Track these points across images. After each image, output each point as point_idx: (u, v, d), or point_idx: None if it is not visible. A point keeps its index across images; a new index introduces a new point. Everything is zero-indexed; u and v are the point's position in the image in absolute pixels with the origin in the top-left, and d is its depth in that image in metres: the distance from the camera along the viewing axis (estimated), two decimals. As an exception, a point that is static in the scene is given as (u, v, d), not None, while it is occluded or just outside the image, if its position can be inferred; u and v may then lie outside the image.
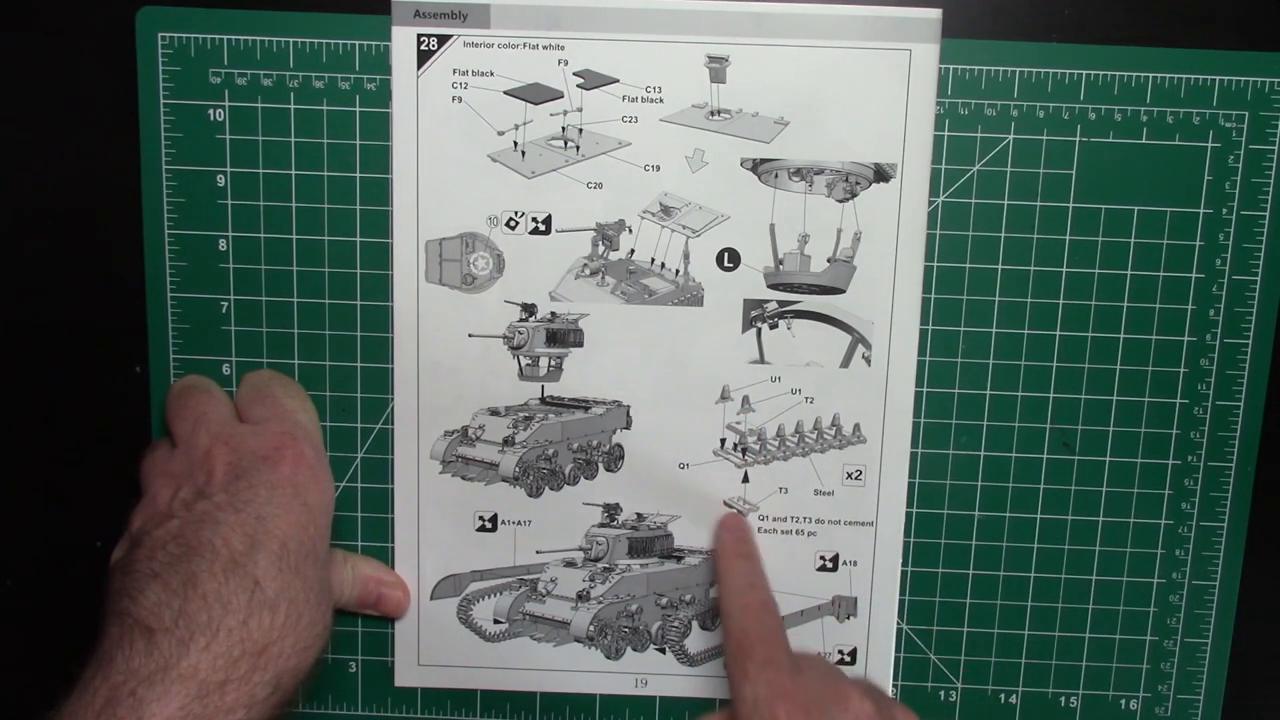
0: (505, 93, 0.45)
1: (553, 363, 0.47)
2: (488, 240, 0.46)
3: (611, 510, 0.48)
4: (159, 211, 0.46)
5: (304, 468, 0.42)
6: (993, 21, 0.45)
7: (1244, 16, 0.45)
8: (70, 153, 0.46)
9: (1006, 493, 0.48)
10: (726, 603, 0.43)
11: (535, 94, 0.45)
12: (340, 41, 0.45)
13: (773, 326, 0.47)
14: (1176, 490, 0.48)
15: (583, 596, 0.49)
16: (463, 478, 0.48)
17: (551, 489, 0.48)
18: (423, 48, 0.45)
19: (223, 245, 0.46)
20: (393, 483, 0.48)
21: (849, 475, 0.48)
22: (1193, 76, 0.45)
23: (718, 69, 0.45)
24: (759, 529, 0.48)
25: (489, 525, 0.48)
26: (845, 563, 0.48)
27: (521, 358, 0.47)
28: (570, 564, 0.49)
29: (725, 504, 0.48)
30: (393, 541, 0.48)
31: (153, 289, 0.47)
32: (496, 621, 0.49)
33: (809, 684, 0.39)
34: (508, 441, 0.47)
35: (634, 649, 0.49)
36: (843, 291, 0.46)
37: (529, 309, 0.46)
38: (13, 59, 0.46)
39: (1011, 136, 0.45)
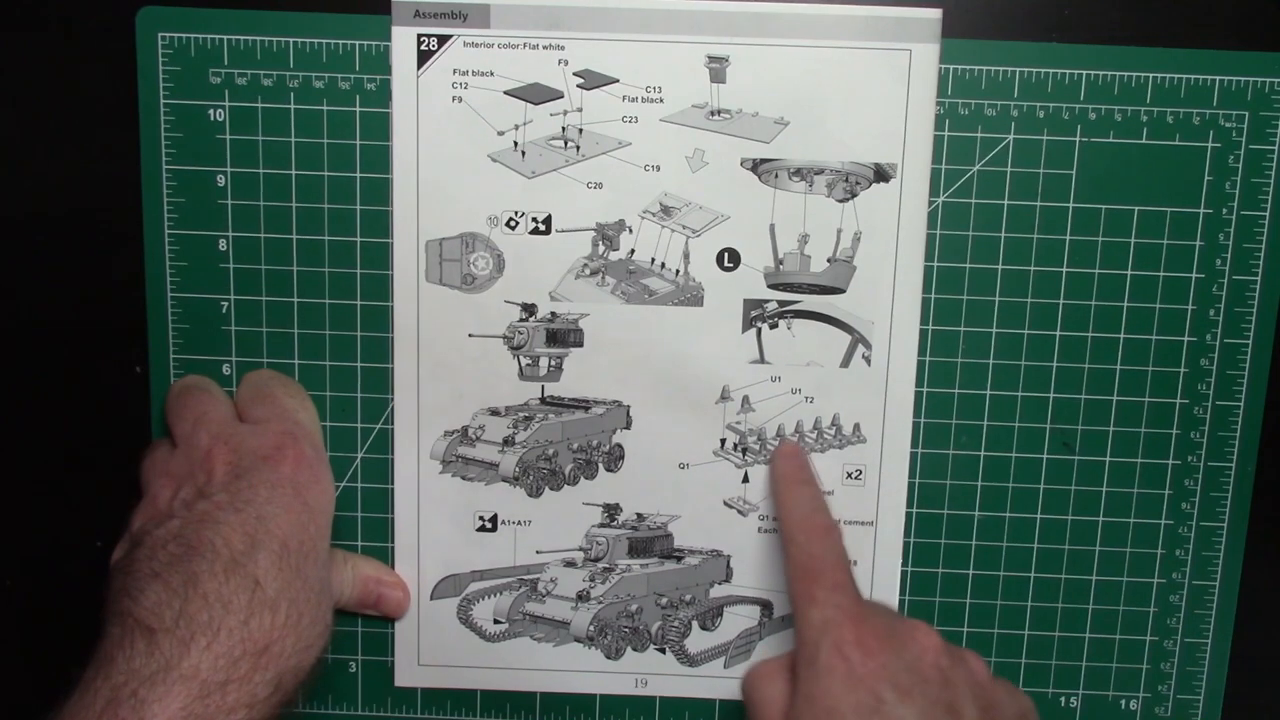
0: (505, 93, 0.45)
1: (553, 363, 0.47)
2: (488, 240, 0.46)
3: (611, 510, 0.48)
4: (159, 211, 0.46)
5: (305, 467, 0.42)
6: (993, 21, 0.45)
7: (1244, 16, 0.45)
8: (70, 153, 0.46)
9: (1006, 493, 0.48)
10: (790, 527, 0.42)
11: (535, 94, 0.45)
12: (340, 41, 0.45)
13: (773, 326, 0.47)
14: (1176, 490, 0.48)
15: (583, 596, 0.49)
16: (463, 478, 0.48)
17: (551, 489, 0.48)
18: (423, 48, 0.45)
19: (223, 245, 0.46)
20: (393, 483, 0.48)
21: (849, 475, 0.48)
22: (1193, 76, 0.45)
23: (718, 69, 0.45)
24: (759, 529, 0.48)
25: (489, 525, 0.48)
26: (845, 563, 0.48)
27: (521, 358, 0.47)
28: (570, 564, 0.49)
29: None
30: (393, 541, 0.48)
31: (153, 289, 0.47)
32: (496, 621, 0.49)
33: (878, 611, 0.38)
34: (508, 441, 0.47)
35: (634, 649, 0.49)
36: (843, 291, 0.46)
37: (529, 309, 0.46)
38: (13, 59, 0.46)
39: (1011, 136, 0.45)
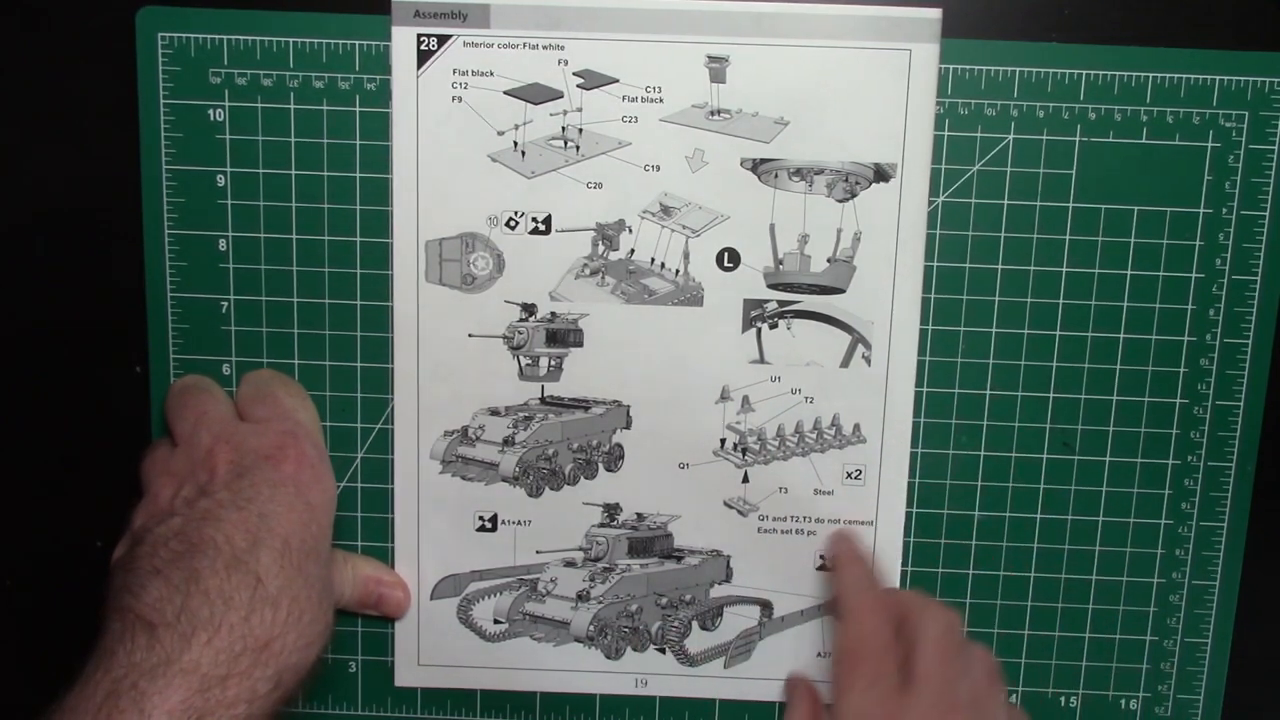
0: (505, 93, 0.45)
1: (553, 363, 0.47)
2: (488, 240, 0.46)
3: (611, 510, 0.48)
4: (159, 211, 0.46)
5: (306, 467, 0.42)
6: (993, 21, 0.45)
7: (1244, 16, 0.45)
8: (70, 153, 0.46)
9: (1006, 493, 0.48)
10: (838, 607, 0.44)
11: (535, 94, 0.45)
12: (340, 41, 0.45)
13: (773, 326, 0.47)
14: (1176, 490, 0.48)
15: (583, 596, 0.49)
16: (463, 478, 0.48)
17: (551, 489, 0.48)
18: (423, 48, 0.45)
19: (223, 245, 0.46)
20: (393, 483, 0.48)
21: (849, 475, 0.48)
22: (1193, 76, 0.45)
23: (718, 69, 0.45)
24: (759, 529, 0.48)
25: (489, 525, 0.48)
26: (845, 563, 0.48)
27: (521, 358, 0.47)
28: (570, 564, 0.49)
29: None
30: (393, 541, 0.48)
31: (153, 289, 0.47)
32: (496, 621, 0.49)
33: (919, 707, 0.39)
34: (508, 441, 0.47)
35: (634, 649, 0.49)
36: (843, 291, 0.46)
37: (529, 309, 0.47)
38: (13, 59, 0.46)
39: (1011, 136, 0.45)
